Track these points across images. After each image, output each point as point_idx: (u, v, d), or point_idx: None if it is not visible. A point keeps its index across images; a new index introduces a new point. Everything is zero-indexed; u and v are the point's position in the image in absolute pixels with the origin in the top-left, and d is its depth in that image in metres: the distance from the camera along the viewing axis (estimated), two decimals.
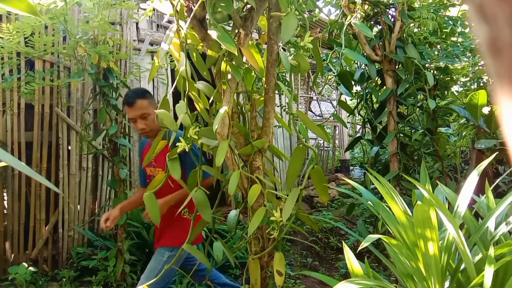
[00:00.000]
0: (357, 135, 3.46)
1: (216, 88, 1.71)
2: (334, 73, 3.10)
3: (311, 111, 8.38)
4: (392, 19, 3.08)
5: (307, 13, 4.28)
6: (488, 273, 1.15)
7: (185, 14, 1.70)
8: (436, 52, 3.29)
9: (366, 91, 3.36)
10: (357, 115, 4.12)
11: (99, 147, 3.85)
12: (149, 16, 1.91)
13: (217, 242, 1.81)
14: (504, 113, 0.27)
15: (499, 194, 3.24)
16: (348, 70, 3.31)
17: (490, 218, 1.43)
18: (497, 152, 2.46)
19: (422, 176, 1.87)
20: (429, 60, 3.20)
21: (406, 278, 1.44)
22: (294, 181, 1.71)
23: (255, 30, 2.01)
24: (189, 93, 1.66)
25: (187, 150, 1.61)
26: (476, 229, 1.46)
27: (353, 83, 3.22)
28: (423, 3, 3.28)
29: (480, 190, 1.96)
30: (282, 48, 1.90)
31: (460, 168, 4.07)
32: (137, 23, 4.37)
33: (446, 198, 1.75)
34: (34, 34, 2.79)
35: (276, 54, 1.69)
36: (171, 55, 1.88)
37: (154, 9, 1.89)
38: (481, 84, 3.74)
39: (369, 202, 1.68)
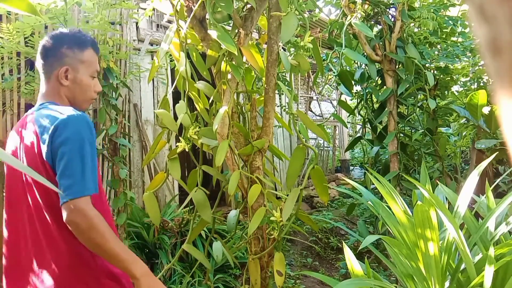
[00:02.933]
0: (357, 135, 3.46)
1: (216, 88, 1.71)
2: (334, 73, 3.10)
3: (311, 111, 8.37)
4: (392, 19, 3.08)
5: (307, 13, 4.28)
6: (488, 273, 1.15)
7: (185, 14, 1.70)
8: (436, 52, 3.29)
9: (366, 91, 3.36)
10: (357, 115, 4.12)
11: (99, 147, 3.85)
12: (149, 16, 1.91)
13: (217, 242, 1.81)
14: (504, 113, 0.27)
15: (499, 194, 3.23)
16: (348, 70, 3.31)
17: (490, 218, 1.43)
18: (497, 152, 2.46)
19: (422, 176, 1.87)
20: (429, 60, 3.20)
21: (406, 278, 1.44)
22: (294, 181, 1.71)
23: (255, 30, 2.01)
24: (189, 93, 1.66)
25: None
26: (476, 229, 1.46)
27: (353, 83, 3.22)
28: (423, 3, 3.28)
29: (480, 190, 1.96)
30: (282, 48, 1.89)
31: (460, 168, 4.07)
32: (137, 23, 4.37)
33: (446, 198, 1.75)
34: (34, 34, 2.79)
35: (276, 54, 1.69)
36: (171, 55, 1.88)
37: (154, 9, 1.89)
38: (481, 84, 3.73)
39: (369, 202, 1.68)
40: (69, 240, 1.11)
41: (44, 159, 1.10)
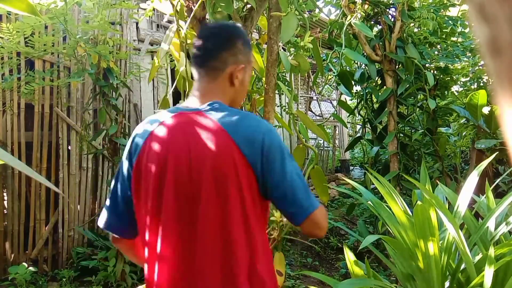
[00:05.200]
0: (357, 135, 3.46)
1: None
2: (334, 73, 3.10)
3: (311, 111, 8.38)
4: (392, 19, 3.08)
5: (307, 13, 4.28)
6: (488, 273, 1.15)
7: (185, 14, 1.70)
8: (436, 52, 3.29)
9: (366, 91, 3.36)
10: (357, 115, 4.13)
11: (99, 147, 3.85)
12: (149, 16, 1.91)
13: None
14: (504, 113, 0.27)
15: (499, 194, 3.23)
16: (348, 70, 3.31)
17: (490, 218, 1.43)
18: (497, 152, 2.46)
19: (422, 176, 1.87)
20: (429, 60, 3.20)
21: (406, 278, 1.44)
22: None
23: (255, 30, 2.01)
24: (189, 93, 1.66)
25: None
26: (476, 229, 1.46)
27: (353, 83, 3.22)
28: (423, 3, 3.28)
29: (480, 190, 1.96)
30: (282, 48, 1.89)
31: (460, 168, 4.07)
32: (137, 23, 4.37)
33: (446, 198, 1.75)
34: (34, 34, 2.79)
35: (276, 54, 1.69)
36: (171, 55, 1.88)
37: (154, 9, 1.89)
38: (481, 84, 3.74)
39: (369, 202, 1.68)
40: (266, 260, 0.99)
41: (251, 167, 0.92)
